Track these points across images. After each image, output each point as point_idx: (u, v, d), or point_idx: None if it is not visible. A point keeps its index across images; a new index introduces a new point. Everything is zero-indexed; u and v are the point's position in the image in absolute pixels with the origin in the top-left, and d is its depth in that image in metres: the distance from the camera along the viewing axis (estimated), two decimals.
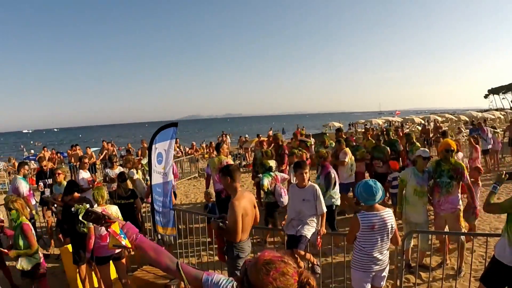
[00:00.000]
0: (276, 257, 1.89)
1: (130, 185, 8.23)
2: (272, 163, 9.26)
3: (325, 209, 5.81)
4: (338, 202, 8.16)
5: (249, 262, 1.99)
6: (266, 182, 8.22)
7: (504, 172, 4.77)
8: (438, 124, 28.29)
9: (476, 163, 11.36)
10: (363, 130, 23.79)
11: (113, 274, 6.46)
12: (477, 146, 12.99)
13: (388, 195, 10.24)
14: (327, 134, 15.87)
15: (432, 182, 6.70)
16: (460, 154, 9.24)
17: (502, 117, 45.47)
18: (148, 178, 8.08)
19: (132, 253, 7.09)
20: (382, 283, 4.73)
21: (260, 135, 24.07)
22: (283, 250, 5.56)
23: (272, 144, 12.40)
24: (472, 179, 6.59)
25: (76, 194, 6.73)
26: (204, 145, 28.15)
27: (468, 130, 24.84)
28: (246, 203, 4.91)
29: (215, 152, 10.00)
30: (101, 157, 20.85)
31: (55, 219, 8.95)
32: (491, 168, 15.78)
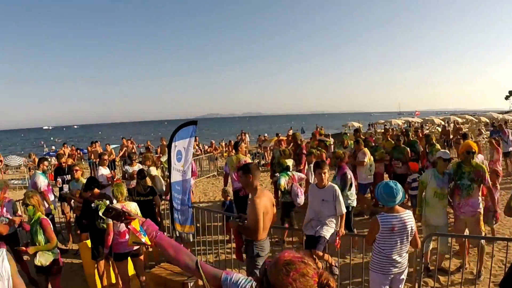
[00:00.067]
0: (297, 257, 1.88)
1: (149, 182, 8.26)
2: (290, 162, 9.24)
3: (344, 210, 5.80)
4: (354, 203, 8.12)
5: (269, 262, 1.99)
6: (283, 181, 8.21)
7: None
8: (458, 126, 28.02)
9: (497, 166, 11.19)
10: (383, 130, 23.63)
11: (131, 270, 6.51)
12: (499, 148, 12.77)
13: (407, 196, 10.16)
14: (348, 135, 15.76)
15: (452, 184, 6.63)
16: (481, 156, 9.10)
17: None
18: (167, 175, 8.11)
19: (150, 249, 7.13)
20: (400, 286, 4.67)
21: (280, 134, 24.04)
22: (303, 250, 5.56)
23: (291, 144, 12.37)
24: (490, 182, 6.51)
25: (96, 190, 6.80)
26: (223, 143, 28.17)
27: (488, 132, 24.56)
28: (266, 201, 4.92)
29: (233, 151, 9.99)
30: (121, 154, 20.97)
31: (74, 214, 9.01)
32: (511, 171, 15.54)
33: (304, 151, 10.65)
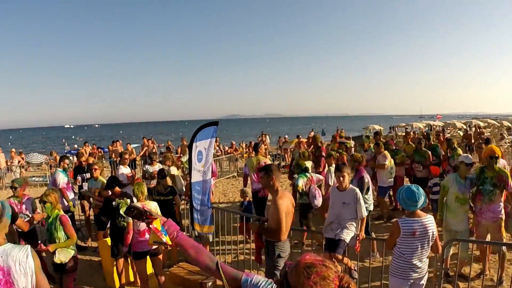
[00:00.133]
0: (318, 260, 1.88)
1: (169, 182, 8.30)
2: (309, 164, 9.23)
3: (365, 214, 5.77)
4: (371, 207, 8.07)
5: (289, 265, 1.98)
6: (301, 182, 8.20)
7: None
8: (480, 130, 27.68)
9: None
10: (404, 133, 23.46)
11: (149, 269, 6.54)
12: None
13: (428, 201, 10.08)
14: (370, 138, 15.67)
15: (474, 189, 6.55)
16: (502, 161, 8.96)
17: None
18: (187, 175, 8.13)
19: (169, 249, 7.17)
20: None
21: (300, 136, 24.08)
22: (323, 253, 5.55)
23: (311, 146, 12.35)
24: None
25: (117, 189, 6.86)
26: (243, 144, 28.19)
27: (510, 137, 24.24)
28: (288, 202, 4.96)
29: (253, 152, 10.00)
30: (141, 153, 21.09)
31: (93, 212, 9.08)
32: None
33: (323, 154, 10.63)
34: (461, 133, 29.62)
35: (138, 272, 6.24)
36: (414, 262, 4.39)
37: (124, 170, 9.96)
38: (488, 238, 6.45)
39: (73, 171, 10.41)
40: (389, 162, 10.02)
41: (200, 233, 7.23)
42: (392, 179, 10.17)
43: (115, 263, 6.86)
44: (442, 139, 15.45)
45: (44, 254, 5.54)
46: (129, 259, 6.88)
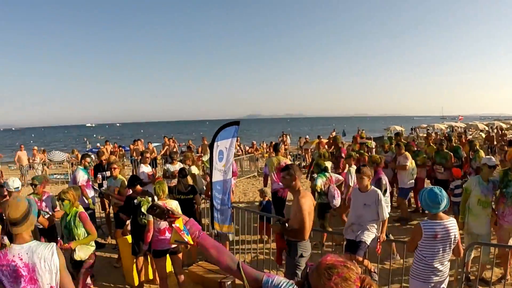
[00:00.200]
0: (339, 261, 1.87)
1: (190, 181, 8.33)
2: (328, 164, 9.22)
3: (387, 215, 5.73)
4: (389, 209, 8.02)
5: (310, 266, 1.98)
6: (320, 182, 8.19)
7: None
8: (502, 131, 27.32)
9: None
10: (425, 135, 23.26)
11: (169, 267, 6.55)
12: None
13: (449, 203, 9.96)
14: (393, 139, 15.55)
15: (498, 192, 6.46)
16: None
17: None
18: (207, 174, 8.13)
19: (189, 248, 7.19)
20: None
21: (321, 137, 24.00)
22: (345, 254, 5.53)
23: (332, 146, 12.32)
24: None
25: (139, 187, 6.89)
26: (264, 144, 28.19)
27: None
28: (310, 201, 5.00)
29: (274, 152, 9.99)
30: (162, 152, 21.19)
31: (112, 210, 9.13)
32: None
33: (343, 155, 10.58)
34: (483, 135, 29.23)
35: (158, 270, 6.27)
36: (436, 265, 4.34)
37: (145, 168, 10.02)
38: (511, 242, 6.36)
39: (93, 169, 10.49)
40: (411, 163, 9.93)
41: (220, 232, 7.26)
42: (413, 181, 10.08)
43: (134, 260, 6.91)
44: (464, 141, 15.26)
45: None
46: (148, 257, 6.91)
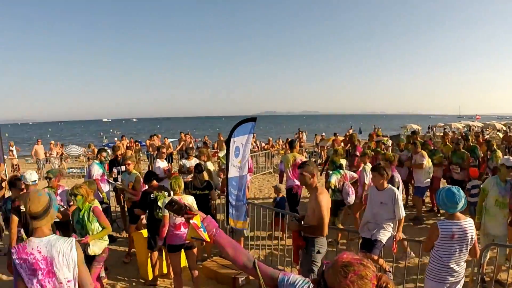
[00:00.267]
0: (355, 259, 1.86)
1: (206, 177, 8.34)
2: (343, 161, 9.20)
3: (403, 214, 5.69)
4: None
5: (326, 264, 1.97)
6: (334, 179, 8.17)
7: None
8: None
9: None
10: (442, 134, 23.08)
11: (183, 262, 6.58)
12: None
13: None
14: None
15: None
16: None
17: None
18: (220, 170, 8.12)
19: (204, 243, 7.21)
20: None
21: (338, 134, 23.93)
22: (361, 252, 5.51)
23: (348, 144, 12.27)
24: None
25: (155, 183, 6.93)
26: (280, 141, 28.18)
27: None
28: (327, 198, 5.04)
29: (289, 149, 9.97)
30: (178, 147, 21.29)
31: (126, 206, 9.16)
32: None
33: (358, 153, 10.53)
34: (501, 135, 28.96)
35: (172, 265, 6.28)
36: (452, 266, 4.31)
37: (161, 163, 10.05)
38: None
39: (109, 163, 10.57)
40: (427, 161, 9.85)
41: (234, 228, 7.28)
42: (429, 180, 10.01)
43: (149, 254, 6.95)
44: (481, 141, 15.11)
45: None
46: (163, 252, 6.94)
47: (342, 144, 14.71)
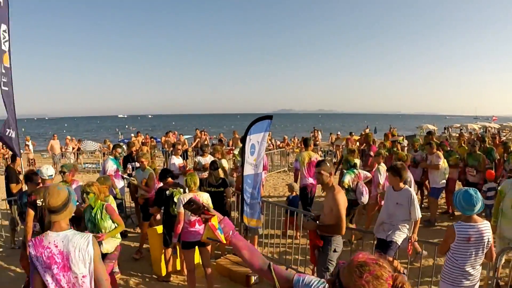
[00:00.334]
0: (371, 259, 1.85)
1: (221, 174, 8.35)
2: (357, 161, 9.17)
3: (419, 216, 5.64)
4: None
5: (342, 264, 1.96)
6: (348, 179, 8.15)
7: None
8: None
9: None
10: (458, 134, 22.86)
11: (197, 259, 6.59)
12: None
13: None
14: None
15: None
16: None
17: None
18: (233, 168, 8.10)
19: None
20: None
21: (353, 133, 23.81)
22: (377, 252, 5.49)
23: (363, 144, 12.22)
24: None
25: (170, 180, 6.96)
26: (296, 139, 28.15)
27: None
28: (345, 197, 5.07)
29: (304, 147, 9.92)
30: (194, 144, 21.34)
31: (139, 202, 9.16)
32: None
33: (372, 153, 10.48)
34: None
35: (186, 261, 6.28)
36: (467, 269, 4.28)
37: (176, 160, 10.08)
38: None
39: (123, 159, 10.60)
40: (443, 162, 9.76)
41: (248, 226, 7.28)
42: (445, 181, 9.89)
43: (163, 250, 6.97)
44: (497, 142, 14.88)
45: None
46: (177, 248, 6.95)
47: (358, 143, 14.64)
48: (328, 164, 5.14)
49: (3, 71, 8.56)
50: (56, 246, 2.92)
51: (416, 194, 8.96)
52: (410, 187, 7.55)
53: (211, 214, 2.46)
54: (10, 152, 13.93)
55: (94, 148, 28.20)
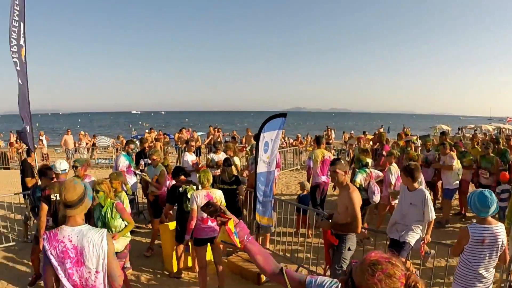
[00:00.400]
0: (383, 258, 1.84)
1: (234, 171, 8.34)
2: (370, 159, 9.14)
3: (433, 216, 5.59)
4: None
5: (355, 263, 1.96)
6: (359, 178, 8.14)
7: None
8: None
9: None
10: (471, 135, 22.64)
11: (208, 256, 6.60)
12: None
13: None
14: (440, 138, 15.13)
15: None
16: None
17: None
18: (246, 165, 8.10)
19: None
20: None
21: (367, 133, 23.74)
22: (389, 251, 5.48)
23: (377, 143, 12.16)
24: None
25: (183, 177, 6.98)
26: (309, 137, 28.08)
27: None
28: (359, 195, 5.08)
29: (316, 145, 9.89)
30: (207, 141, 21.39)
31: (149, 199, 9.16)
32: None
33: (384, 153, 10.43)
34: None
35: (198, 258, 6.28)
36: (480, 272, 4.24)
37: (189, 157, 10.11)
38: None
39: (135, 156, 10.62)
40: (457, 163, 9.68)
41: (261, 224, 7.29)
42: (458, 182, 9.81)
43: (175, 247, 6.99)
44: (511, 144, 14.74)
45: None
46: (190, 244, 6.97)
47: (371, 142, 14.57)
48: (343, 163, 5.16)
49: (18, 67, 8.65)
50: (71, 241, 2.93)
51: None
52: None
53: (227, 217, 2.46)
54: (24, 147, 14.03)
55: (108, 144, 28.37)
